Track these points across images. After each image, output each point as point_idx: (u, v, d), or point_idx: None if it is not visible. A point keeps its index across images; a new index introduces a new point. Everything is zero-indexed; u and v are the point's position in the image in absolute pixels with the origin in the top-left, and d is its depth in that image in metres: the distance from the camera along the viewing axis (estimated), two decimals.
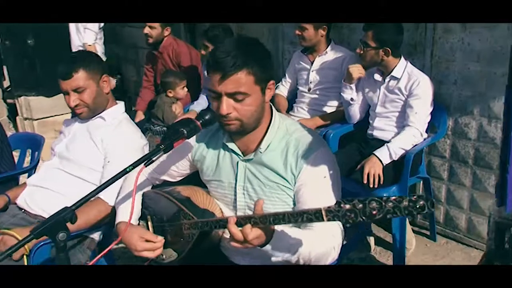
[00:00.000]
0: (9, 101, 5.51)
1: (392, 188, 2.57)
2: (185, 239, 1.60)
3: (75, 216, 1.24)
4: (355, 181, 2.59)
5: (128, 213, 1.72)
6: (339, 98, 3.16)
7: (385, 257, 2.87)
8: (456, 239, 2.97)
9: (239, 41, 1.51)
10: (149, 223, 1.74)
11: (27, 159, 2.94)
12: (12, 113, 5.45)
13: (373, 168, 2.53)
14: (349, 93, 2.90)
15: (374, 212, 1.09)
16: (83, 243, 2.02)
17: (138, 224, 1.75)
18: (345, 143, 2.98)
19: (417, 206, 1.05)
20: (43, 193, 2.05)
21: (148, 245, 1.57)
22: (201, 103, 3.74)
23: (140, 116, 4.04)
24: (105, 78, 2.11)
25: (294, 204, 1.57)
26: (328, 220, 1.17)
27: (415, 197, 1.05)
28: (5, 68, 5.20)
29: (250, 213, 1.63)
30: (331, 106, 3.20)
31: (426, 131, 2.71)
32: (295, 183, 1.54)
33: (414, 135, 2.61)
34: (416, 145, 2.63)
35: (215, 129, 1.69)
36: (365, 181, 2.53)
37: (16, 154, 2.78)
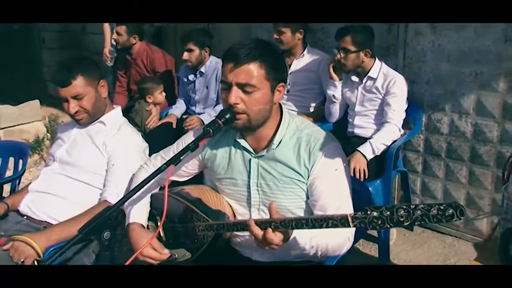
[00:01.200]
0: None
1: (377, 182, 2.72)
2: (199, 240, 1.62)
3: (121, 213, 1.27)
4: None
5: (140, 214, 1.75)
6: (316, 99, 3.31)
7: (368, 248, 3.02)
8: (432, 228, 3.16)
9: (256, 39, 1.59)
10: (159, 223, 1.76)
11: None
12: None
13: (358, 163, 2.67)
14: (333, 90, 3.05)
15: (402, 219, 1.10)
16: (88, 247, 2.02)
17: (147, 226, 1.76)
18: None
19: (446, 215, 1.04)
20: (47, 198, 2.04)
21: (154, 253, 1.59)
22: (179, 107, 3.79)
23: None
24: (103, 83, 2.12)
25: (308, 197, 1.63)
26: (355, 226, 1.19)
27: (444, 205, 1.05)
28: None
29: (264, 208, 1.68)
30: (309, 107, 3.33)
31: (402, 127, 2.88)
32: (308, 176, 1.60)
33: (394, 131, 2.78)
34: (395, 140, 2.80)
35: (225, 128, 1.74)
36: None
37: None
